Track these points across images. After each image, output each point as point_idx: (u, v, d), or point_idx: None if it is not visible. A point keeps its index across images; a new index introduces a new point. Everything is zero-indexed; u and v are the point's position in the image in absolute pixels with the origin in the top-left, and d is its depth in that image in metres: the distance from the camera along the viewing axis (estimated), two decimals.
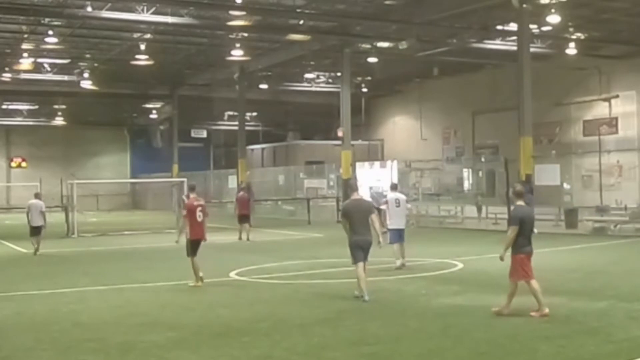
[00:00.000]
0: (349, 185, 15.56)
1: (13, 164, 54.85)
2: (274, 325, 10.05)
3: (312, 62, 39.39)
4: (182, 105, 49.49)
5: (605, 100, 33.74)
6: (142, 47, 32.85)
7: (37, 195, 22.01)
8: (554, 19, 25.83)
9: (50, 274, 16.62)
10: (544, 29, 28.93)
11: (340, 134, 35.01)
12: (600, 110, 34.15)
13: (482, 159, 36.39)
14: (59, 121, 52.23)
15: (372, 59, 34.68)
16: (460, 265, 16.29)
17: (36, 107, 50.84)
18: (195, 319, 10.67)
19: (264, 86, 44.75)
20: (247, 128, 46.05)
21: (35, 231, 20.85)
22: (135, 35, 32.17)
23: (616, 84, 33.48)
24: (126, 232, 28.97)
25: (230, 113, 49.61)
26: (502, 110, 35.59)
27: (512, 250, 10.28)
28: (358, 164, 36.60)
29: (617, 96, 33.27)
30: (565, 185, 29.62)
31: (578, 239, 22.74)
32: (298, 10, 28.38)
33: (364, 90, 44.21)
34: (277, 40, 34.55)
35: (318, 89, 44.08)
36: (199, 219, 14.02)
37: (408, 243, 16.40)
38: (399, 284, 13.79)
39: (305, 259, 18.09)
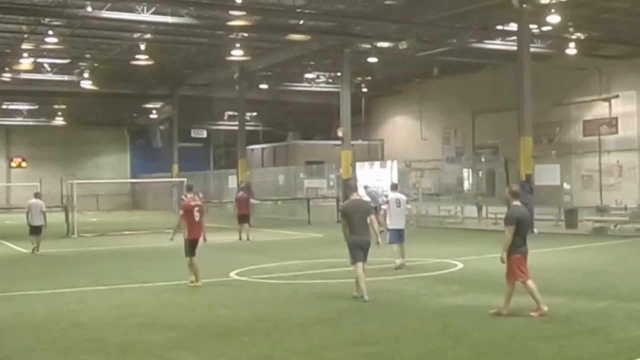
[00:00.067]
0: (348, 186, 15.54)
1: (13, 164, 54.84)
2: (274, 325, 10.05)
3: (312, 62, 39.38)
4: (182, 105, 49.48)
5: (605, 100, 33.73)
6: (142, 47, 32.84)
7: (37, 195, 22.05)
8: (554, 19, 25.82)
9: (50, 274, 16.63)
10: (544, 29, 28.92)
11: (340, 134, 35.00)
12: (600, 110, 34.15)
13: (482, 159, 36.42)
14: (59, 121, 52.22)
15: (372, 59, 34.67)
16: (460, 265, 16.30)
17: (36, 107, 50.83)
18: (195, 319, 10.67)
19: (264, 86, 44.74)
20: (247, 128, 46.04)
21: (35, 230, 20.87)
22: (135, 35, 32.16)
23: (616, 84, 33.47)
24: (126, 232, 28.98)
25: (230, 113, 49.60)
26: (502, 110, 35.59)
27: (508, 251, 10.30)
28: (358, 164, 36.62)
29: (617, 96, 33.27)
30: (565, 185, 29.62)
31: (578, 239, 22.75)
32: (298, 10, 28.37)
33: (364, 90, 44.19)
34: (277, 40, 34.54)
35: (318, 89, 44.07)
36: (197, 219, 14.05)
37: (408, 243, 16.41)
38: (399, 284, 13.79)
39: (305, 259, 18.10)
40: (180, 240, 14.34)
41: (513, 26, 27.95)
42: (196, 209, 14.13)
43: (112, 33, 32.86)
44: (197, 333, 9.64)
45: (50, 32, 29.34)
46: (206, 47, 36.62)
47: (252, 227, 25.03)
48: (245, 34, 32.18)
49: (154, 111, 52.82)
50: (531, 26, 27.23)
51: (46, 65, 39.08)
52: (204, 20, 29.47)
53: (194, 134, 52.99)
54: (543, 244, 19.82)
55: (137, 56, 33.89)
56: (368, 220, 12.05)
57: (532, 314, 10.01)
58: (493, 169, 34.15)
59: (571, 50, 30.97)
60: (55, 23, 29.04)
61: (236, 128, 44.22)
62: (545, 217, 27.25)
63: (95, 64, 39.61)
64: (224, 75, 41.58)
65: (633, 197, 28.30)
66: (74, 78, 41.30)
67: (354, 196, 12.50)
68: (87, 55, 38.25)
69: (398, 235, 15.95)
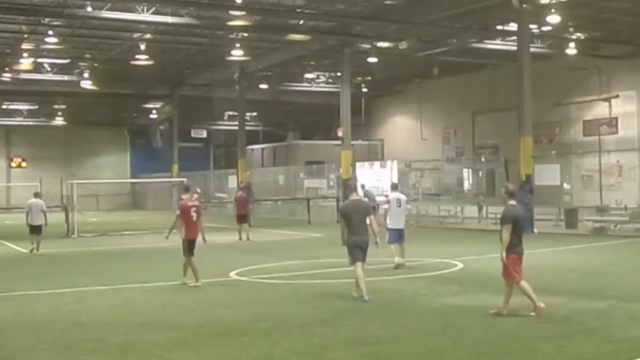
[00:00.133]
0: (347, 186, 15.58)
1: (13, 164, 54.83)
2: (274, 325, 10.05)
3: (312, 62, 39.39)
4: (182, 105, 49.49)
5: (605, 100, 33.74)
6: (142, 47, 32.85)
7: (37, 195, 22.07)
8: (554, 19, 25.83)
9: (50, 274, 16.62)
10: (544, 29, 28.93)
11: (340, 134, 35.01)
12: (600, 110, 34.15)
13: (482, 159, 36.42)
14: (59, 121, 52.23)
15: (372, 59, 34.68)
16: (460, 265, 16.29)
17: (36, 107, 50.83)
18: (195, 319, 10.67)
19: (264, 86, 44.75)
20: (247, 128, 46.06)
21: (36, 230, 20.88)
22: (135, 35, 32.17)
23: (616, 84, 33.48)
24: (126, 232, 28.97)
25: (230, 113, 49.61)
26: (502, 110, 35.59)
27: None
28: (358, 164, 36.63)
29: (617, 96, 33.27)
30: (565, 185, 29.61)
31: (578, 239, 22.74)
32: (298, 10, 28.38)
33: (364, 90, 44.21)
34: (277, 40, 34.55)
35: (318, 89, 44.08)
36: (194, 219, 14.07)
37: (408, 243, 16.42)
38: (399, 284, 13.79)
39: (305, 259, 18.09)
40: (179, 240, 14.34)
41: (513, 26, 27.96)
42: (193, 209, 14.18)
43: (112, 33, 32.87)
44: (197, 333, 9.63)
45: (50, 32, 29.34)
46: (206, 47, 36.62)
47: (252, 227, 25.02)
48: (245, 34, 32.19)
49: (154, 111, 52.82)
50: (531, 26, 27.24)
51: (46, 65, 39.09)
52: (204, 20, 29.47)
53: (194, 134, 53.01)
54: (543, 244, 19.85)
55: (137, 56, 33.90)
56: (367, 221, 12.06)
57: (532, 314, 10.00)
58: (493, 169, 34.15)
59: (571, 50, 30.98)
60: (55, 23, 29.05)
61: (236, 128, 44.24)
62: (545, 217, 27.27)
63: (95, 64, 39.62)
64: (224, 75, 41.59)
65: (633, 197, 28.29)
66: (74, 78, 41.32)
67: (354, 196, 12.52)
68: (87, 55, 38.25)
69: (398, 235, 15.96)
